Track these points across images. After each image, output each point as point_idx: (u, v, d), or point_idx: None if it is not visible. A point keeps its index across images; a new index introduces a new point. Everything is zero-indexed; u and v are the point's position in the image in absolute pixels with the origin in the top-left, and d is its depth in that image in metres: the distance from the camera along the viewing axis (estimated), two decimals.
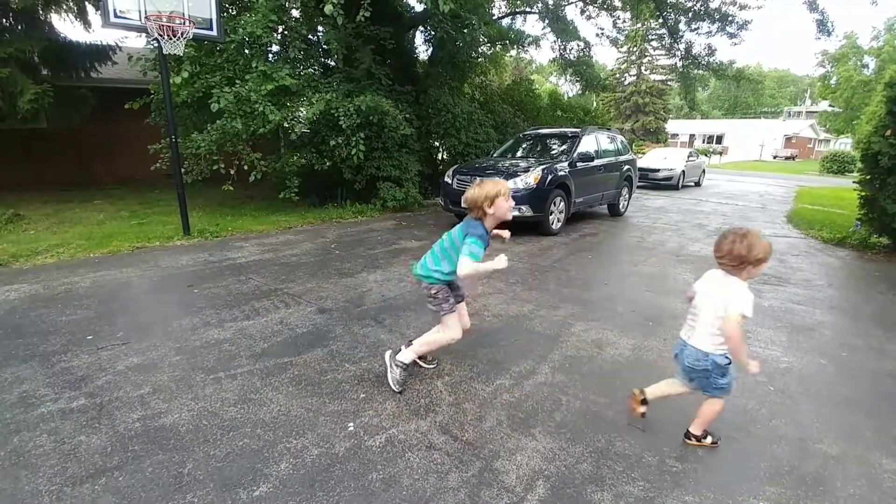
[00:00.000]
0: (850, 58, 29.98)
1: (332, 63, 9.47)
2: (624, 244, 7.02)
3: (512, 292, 4.48)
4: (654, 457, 2.21)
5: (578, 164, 7.44)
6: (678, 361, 2.26)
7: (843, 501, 1.99)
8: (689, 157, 16.51)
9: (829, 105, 33.79)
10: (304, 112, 8.10)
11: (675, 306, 4.16)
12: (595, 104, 20.31)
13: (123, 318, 3.70)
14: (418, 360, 2.99)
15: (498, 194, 2.59)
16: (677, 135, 45.51)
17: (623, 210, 9.31)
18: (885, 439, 2.41)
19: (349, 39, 8.83)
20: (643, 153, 19.24)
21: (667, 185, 15.16)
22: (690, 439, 2.32)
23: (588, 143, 7.95)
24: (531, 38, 13.24)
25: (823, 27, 11.79)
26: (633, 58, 41.40)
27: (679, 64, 14.91)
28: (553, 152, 8.02)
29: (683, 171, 15.45)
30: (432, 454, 2.20)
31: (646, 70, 42.10)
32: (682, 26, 13.64)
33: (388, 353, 2.86)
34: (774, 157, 40.92)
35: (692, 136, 46.61)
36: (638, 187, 14.53)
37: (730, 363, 2.13)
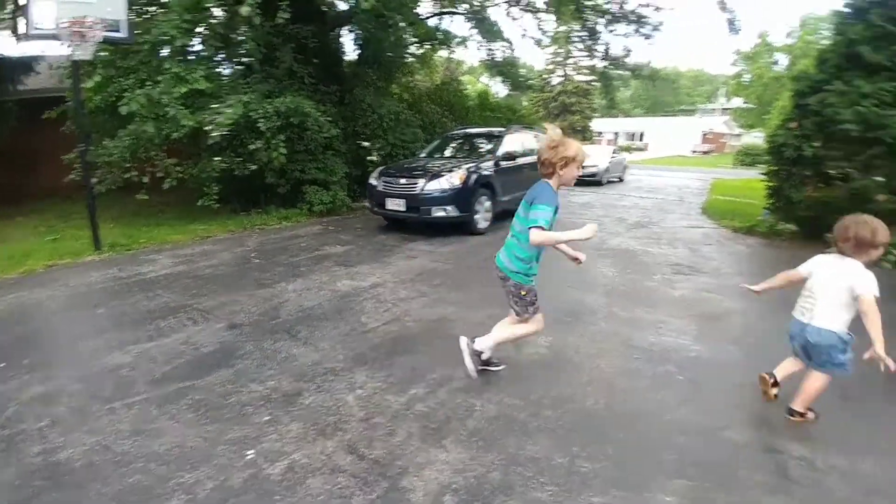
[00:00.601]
0: (763, 55, 32.95)
1: (252, 63, 9.01)
2: None
3: (436, 295, 4.40)
4: (565, 457, 2.19)
5: (503, 163, 7.50)
6: (795, 341, 2.41)
7: (750, 490, 2.02)
8: (612, 153, 17.34)
9: (744, 101, 37.02)
10: (222, 115, 7.64)
11: (594, 300, 4.27)
12: (525, 104, 20.83)
13: (31, 344, 3.39)
14: (487, 366, 2.88)
15: (574, 158, 2.44)
16: (602, 133, 47.78)
17: None
18: (792, 424, 2.47)
19: (269, 38, 8.40)
20: None
21: (592, 181, 15.77)
22: (794, 416, 2.42)
23: (512, 143, 8.05)
24: (459, 39, 13.31)
25: (733, 26, 12.74)
26: (560, 59, 43.00)
27: (599, 65, 15.57)
28: (479, 152, 8.05)
29: (607, 168, 16.18)
30: (336, 478, 2.05)
31: (572, 71, 43.88)
32: (600, 28, 14.25)
33: (463, 340, 2.78)
34: (693, 152, 44.07)
35: (616, 134, 49.08)
36: None
37: (852, 341, 2.25)
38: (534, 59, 71.77)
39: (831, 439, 2.36)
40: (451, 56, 15.97)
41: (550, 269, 5.49)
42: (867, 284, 2.12)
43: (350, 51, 12.02)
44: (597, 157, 16.52)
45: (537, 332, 2.76)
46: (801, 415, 2.42)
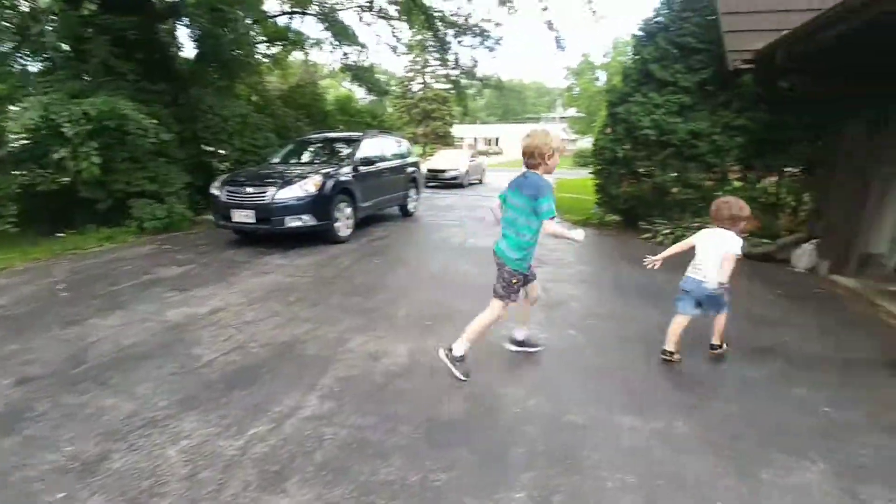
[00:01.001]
0: (587, 72, 37.88)
1: (55, 58, 7.45)
2: (413, 244, 7.18)
3: (290, 313, 4.02)
4: (418, 475, 2.08)
5: (361, 168, 7.29)
6: (691, 296, 3.06)
7: (590, 469, 2.13)
8: (471, 158, 18.25)
9: (576, 111, 42.18)
10: (17, 119, 6.17)
11: (454, 301, 4.29)
12: (389, 109, 20.83)
13: None
14: (524, 346, 3.25)
15: (558, 147, 2.64)
16: (462, 138, 50.39)
17: (413, 210, 9.59)
18: (626, 398, 2.69)
19: (77, 30, 7.00)
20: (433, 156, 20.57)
21: (454, 183, 16.43)
22: (716, 349, 3.20)
23: (370, 147, 7.89)
24: (313, 41, 12.71)
25: (559, 44, 14.28)
26: (418, 67, 44.16)
27: (451, 73, 16.24)
28: (336, 157, 7.71)
29: (467, 171, 16.99)
30: None
31: (430, 79, 45.38)
32: (450, 39, 14.87)
33: (441, 352, 2.91)
34: None
35: (475, 139, 52.22)
36: (430, 187, 15.46)
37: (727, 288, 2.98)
38: (394, 65, 72.68)
39: (656, 409, 2.62)
40: (308, 58, 15.27)
41: (413, 275, 5.62)
42: (736, 246, 2.86)
43: (188, 46, 10.73)
44: (457, 161, 17.25)
45: (500, 318, 2.91)
46: (720, 346, 3.21)
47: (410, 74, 44.34)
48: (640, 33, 7.57)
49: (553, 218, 2.59)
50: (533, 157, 2.65)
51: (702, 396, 2.76)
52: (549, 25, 13.74)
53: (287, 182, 6.25)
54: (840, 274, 5.11)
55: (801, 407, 2.66)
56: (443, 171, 16.48)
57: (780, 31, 5.32)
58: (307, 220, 6.17)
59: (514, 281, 2.79)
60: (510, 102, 79.93)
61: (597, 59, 38.08)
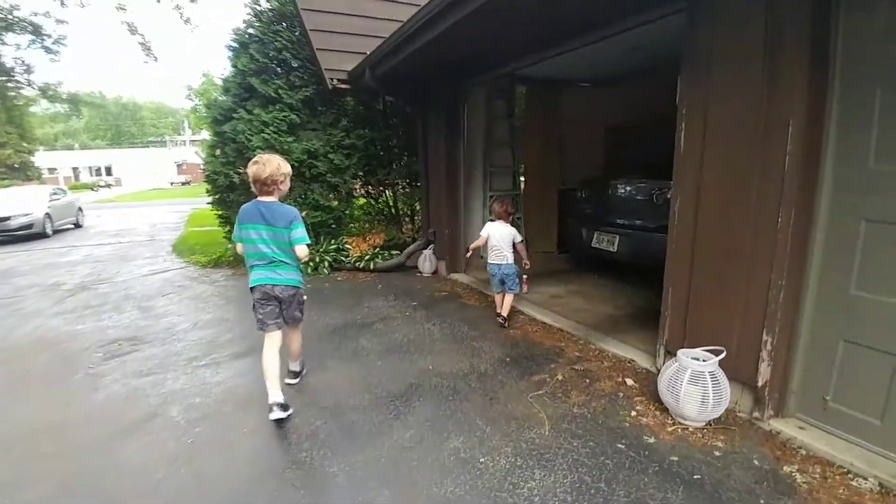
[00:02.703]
0: (211, 92, 33.92)
1: None
2: None
3: None
4: None
5: None
6: (496, 277, 3.82)
7: None
8: (52, 195, 12.86)
9: (207, 133, 37.45)
10: None
11: None
12: None
13: None
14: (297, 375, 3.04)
15: (289, 174, 2.61)
16: (56, 169, 37.27)
17: None
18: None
19: None
20: None
21: (27, 234, 11.16)
22: (506, 322, 3.83)
23: None
24: None
25: (149, 51, 11.59)
26: None
27: None
28: None
29: (48, 214, 11.84)
30: None
31: None
32: None
33: (279, 405, 2.52)
34: (171, 184, 41.43)
35: (76, 170, 39.58)
36: None
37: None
38: None
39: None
40: None
41: None
42: (518, 235, 3.80)
43: None
44: (30, 202, 11.77)
45: None
46: (507, 319, 3.83)
47: None
48: (234, 44, 6.48)
49: (307, 244, 2.63)
50: (267, 184, 2.52)
51: None
52: (132, 29, 10.98)
53: None
54: (455, 271, 5.59)
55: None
56: (4, 218, 10.91)
57: (364, 53, 5.31)
58: None
59: (304, 297, 2.84)
60: (123, 124, 65.60)
61: (219, 76, 35.13)
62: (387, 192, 6.92)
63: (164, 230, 12.05)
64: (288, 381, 2.94)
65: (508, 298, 3.85)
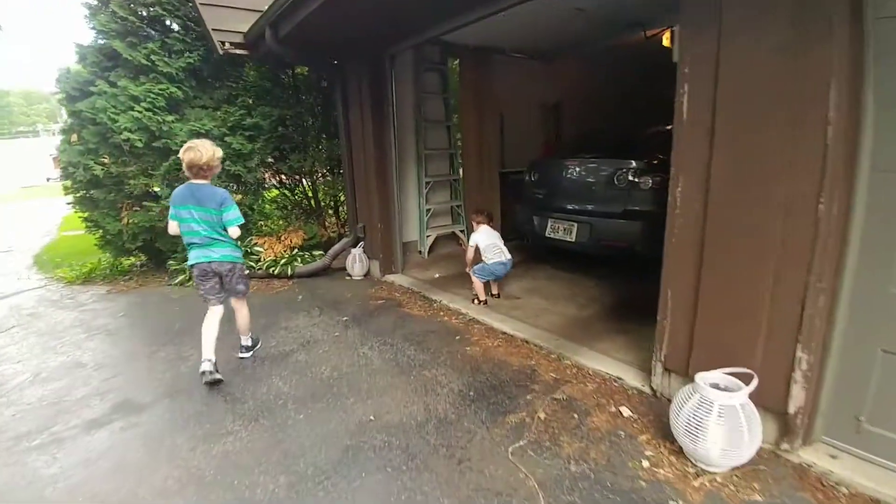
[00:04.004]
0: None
1: None
2: None
3: None
4: None
5: None
6: (504, 273, 3.70)
7: None
8: None
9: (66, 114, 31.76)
10: None
11: None
12: None
13: None
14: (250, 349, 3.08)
15: (219, 157, 2.69)
16: None
17: None
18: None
19: None
20: None
21: None
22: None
23: None
24: None
25: None
26: None
27: None
28: None
29: None
30: None
31: None
32: None
33: (241, 355, 3.00)
34: (48, 180, 35.08)
35: None
36: None
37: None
38: None
39: None
40: None
41: None
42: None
43: None
44: None
45: None
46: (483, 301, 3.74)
47: None
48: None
49: (240, 224, 2.74)
50: (203, 169, 2.62)
51: None
52: None
53: None
54: (391, 272, 4.72)
55: None
56: None
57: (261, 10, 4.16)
58: None
59: (246, 270, 3.10)
60: None
61: None
62: (304, 180, 5.80)
63: (31, 237, 9.73)
64: (240, 355, 3.03)
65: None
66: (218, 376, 2.66)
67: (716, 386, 1.92)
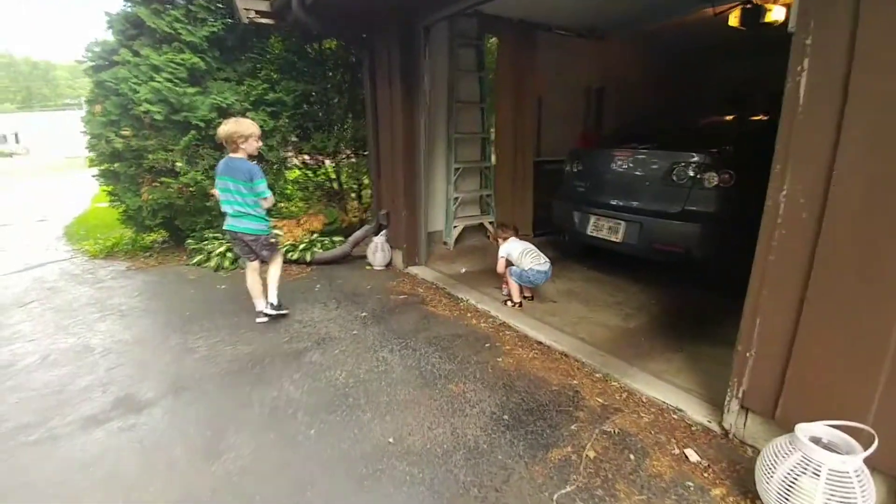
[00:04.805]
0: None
1: None
2: None
3: None
4: None
5: None
6: (544, 281, 3.24)
7: None
8: None
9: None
10: None
11: None
12: None
13: None
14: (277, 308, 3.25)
15: (253, 134, 2.89)
16: None
17: None
18: None
19: None
20: None
21: None
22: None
23: None
24: None
25: None
26: None
27: None
28: None
29: None
30: None
31: None
32: None
33: (264, 314, 3.19)
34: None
35: None
36: None
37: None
38: None
39: None
40: None
41: None
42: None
43: None
44: None
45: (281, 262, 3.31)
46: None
47: None
48: None
49: (268, 197, 2.99)
50: (228, 142, 2.86)
51: None
52: None
53: None
54: (415, 264, 4.38)
55: None
56: None
57: None
58: None
59: (273, 240, 3.17)
60: (33, 85, 56.82)
61: None
62: (327, 161, 5.46)
63: (66, 207, 9.78)
64: (265, 311, 3.20)
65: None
66: (283, 311, 3.23)
67: (817, 440, 1.51)
